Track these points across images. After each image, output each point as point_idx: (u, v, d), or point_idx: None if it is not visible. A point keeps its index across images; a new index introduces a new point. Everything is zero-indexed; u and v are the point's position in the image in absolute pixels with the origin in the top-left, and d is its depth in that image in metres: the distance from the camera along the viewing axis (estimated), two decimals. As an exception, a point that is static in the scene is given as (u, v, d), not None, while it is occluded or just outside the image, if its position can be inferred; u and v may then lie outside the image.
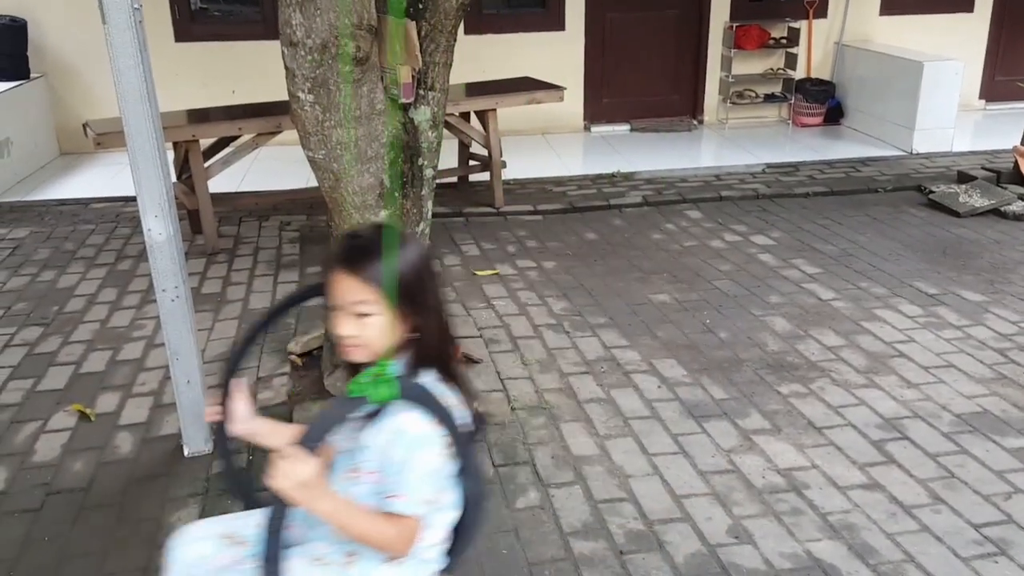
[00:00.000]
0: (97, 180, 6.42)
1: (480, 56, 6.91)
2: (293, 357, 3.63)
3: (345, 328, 1.54)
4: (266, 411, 3.31)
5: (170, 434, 3.18)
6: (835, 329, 3.95)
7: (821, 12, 7.88)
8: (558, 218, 5.56)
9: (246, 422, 1.78)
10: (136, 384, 3.56)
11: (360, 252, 1.53)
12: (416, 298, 1.54)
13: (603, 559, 2.52)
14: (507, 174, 5.90)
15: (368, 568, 1.60)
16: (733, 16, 7.78)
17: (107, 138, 4.61)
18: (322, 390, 3.35)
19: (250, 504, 1.87)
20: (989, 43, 8.31)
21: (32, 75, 6.82)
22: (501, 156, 5.73)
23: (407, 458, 1.48)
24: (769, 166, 6.63)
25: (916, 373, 3.55)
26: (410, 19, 2.84)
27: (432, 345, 1.57)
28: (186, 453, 3.06)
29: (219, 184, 5.18)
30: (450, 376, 1.60)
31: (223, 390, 1.77)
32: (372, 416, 1.51)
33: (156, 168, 2.71)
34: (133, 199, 2.79)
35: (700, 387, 3.47)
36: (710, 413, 3.28)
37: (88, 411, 3.34)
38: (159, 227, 2.76)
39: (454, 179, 6.15)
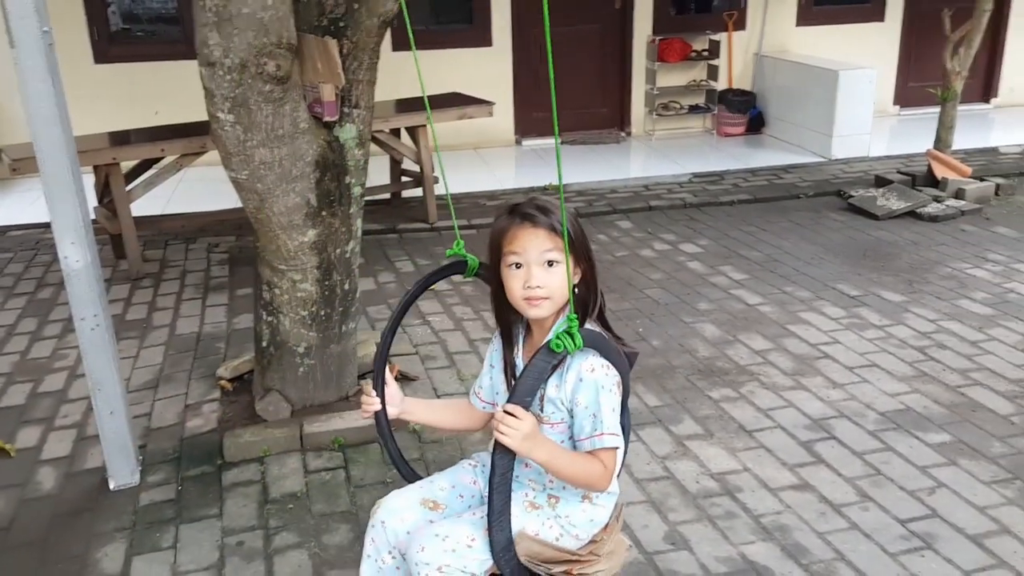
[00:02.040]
0: (15, 207, 6.21)
1: (409, 72, 6.88)
2: (223, 382, 3.54)
3: (537, 278, 1.71)
4: (195, 439, 3.24)
5: (95, 467, 3.08)
6: (762, 333, 4.04)
7: (740, 24, 8.09)
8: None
9: (400, 403, 1.97)
10: (58, 416, 3.44)
11: (542, 209, 1.72)
12: (582, 249, 1.74)
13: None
14: (440, 189, 5.89)
15: (570, 507, 1.82)
16: (656, 30, 7.94)
17: (23, 163, 4.46)
18: (253, 415, 3.29)
19: (415, 478, 2.02)
20: (901, 50, 8.65)
21: (-59, 99, 6.57)
22: (433, 171, 5.72)
23: (595, 400, 1.68)
24: (695, 176, 6.76)
25: (841, 373, 3.65)
26: (331, 36, 2.82)
27: (593, 294, 1.76)
28: (111, 486, 2.96)
29: (143, 207, 5.06)
30: (604, 323, 1.79)
31: (377, 380, 1.94)
32: (554, 369, 1.64)
33: (71, 194, 2.63)
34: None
35: (634, 395, 3.51)
36: (644, 421, 3.32)
37: (8, 447, 3.21)
38: (76, 254, 2.68)
39: (387, 195, 6.12)
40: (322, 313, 3.19)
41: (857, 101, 7.06)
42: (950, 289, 4.49)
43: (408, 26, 1.85)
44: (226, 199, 5.58)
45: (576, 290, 1.71)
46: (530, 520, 1.78)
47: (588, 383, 1.68)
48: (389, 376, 1.94)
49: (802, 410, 3.37)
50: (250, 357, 3.51)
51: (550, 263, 1.71)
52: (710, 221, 5.72)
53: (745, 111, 7.99)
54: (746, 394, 3.49)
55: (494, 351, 1.95)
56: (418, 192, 5.89)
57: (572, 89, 7.97)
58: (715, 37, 7.95)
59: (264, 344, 3.26)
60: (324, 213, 3.04)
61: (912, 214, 5.66)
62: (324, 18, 2.83)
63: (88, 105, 5.87)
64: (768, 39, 8.15)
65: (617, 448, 1.72)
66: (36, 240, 5.50)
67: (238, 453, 3.11)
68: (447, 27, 7.87)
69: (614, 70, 8.09)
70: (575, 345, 1.60)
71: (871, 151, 7.20)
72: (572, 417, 1.73)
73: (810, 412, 3.35)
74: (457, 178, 6.51)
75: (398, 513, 1.87)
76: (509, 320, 1.85)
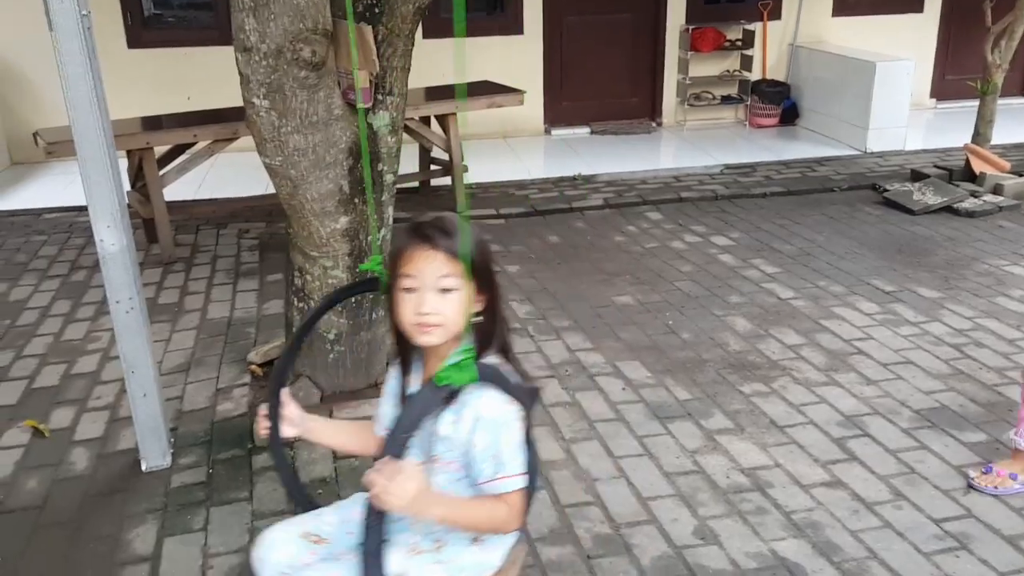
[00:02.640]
0: (49, 190, 6.28)
1: (440, 60, 6.88)
2: (253, 367, 3.57)
3: (429, 304, 1.57)
4: (226, 422, 3.26)
5: (127, 449, 3.11)
6: (795, 328, 4.00)
7: (775, 14, 7.98)
8: (520, 221, 5.56)
9: (300, 424, 1.82)
10: (91, 398, 3.48)
11: (443, 230, 1.57)
12: (485, 276, 1.61)
13: (571, 564, 2.51)
14: (469, 178, 5.88)
15: (457, 551, 1.69)
16: (689, 19, 7.85)
17: (58, 147, 4.51)
18: (283, 400, 3.30)
19: (309, 507, 1.90)
20: (939, 42, 8.49)
21: (-21, 83, 6.66)
22: (463, 160, 5.71)
23: (496, 439, 1.56)
24: (727, 167, 6.69)
25: (875, 370, 3.60)
26: (366, 23, 2.81)
27: (495, 324, 1.64)
28: (143, 468, 2.99)
29: (175, 192, 5.10)
30: (506, 355, 1.67)
31: (272, 400, 1.80)
32: (444, 404, 1.55)
33: (108, 177, 2.65)
34: (86, 208, 2.72)
35: (664, 388, 3.48)
36: (674, 414, 3.29)
37: (42, 427, 3.25)
38: (112, 237, 2.70)
39: (415, 184, 6.12)
40: (352, 301, 3.19)
41: (894, 93, 6.95)
42: (987, 286, 4.41)
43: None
44: (256, 185, 5.62)
45: (479, 318, 1.60)
46: (412, 566, 1.64)
47: (487, 422, 1.55)
48: (286, 395, 1.80)
49: (835, 406, 3.32)
50: (280, 342, 3.53)
51: (445, 290, 1.57)
52: (742, 213, 5.66)
53: (779, 102, 7.89)
54: (778, 389, 3.46)
55: (392, 378, 1.80)
56: (447, 181, 5.88)
57: (603, 78, 7.92)
58: (749, 27, 7.84)
59: (295, 330, 3.27)
60: (356, 200, 3.04)
61: (949, 209, 5.56)
62: (360, 4, 2.82)
63: (121, 89, 5.92)
64: (803, 29, 8.03)
65: (523, 489, 1.59)
66: (70, 223, 5.56)
67: (268, 438, 3.13)
68: (479, 15, 7.83)
69: (646, 59, 8.02)
70: (464, 379, 1.50)
71: (907, 144, 7.08)
72: (469, 458, 1.58)
73: (843, 408, 3.31)
74: (485, 167, 6.53)
75: (277, 546, 1.76)
76: (408, 346, 1.69)
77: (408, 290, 1.59)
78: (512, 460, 1.57)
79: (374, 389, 3.34)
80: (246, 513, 2.76)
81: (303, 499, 1.94)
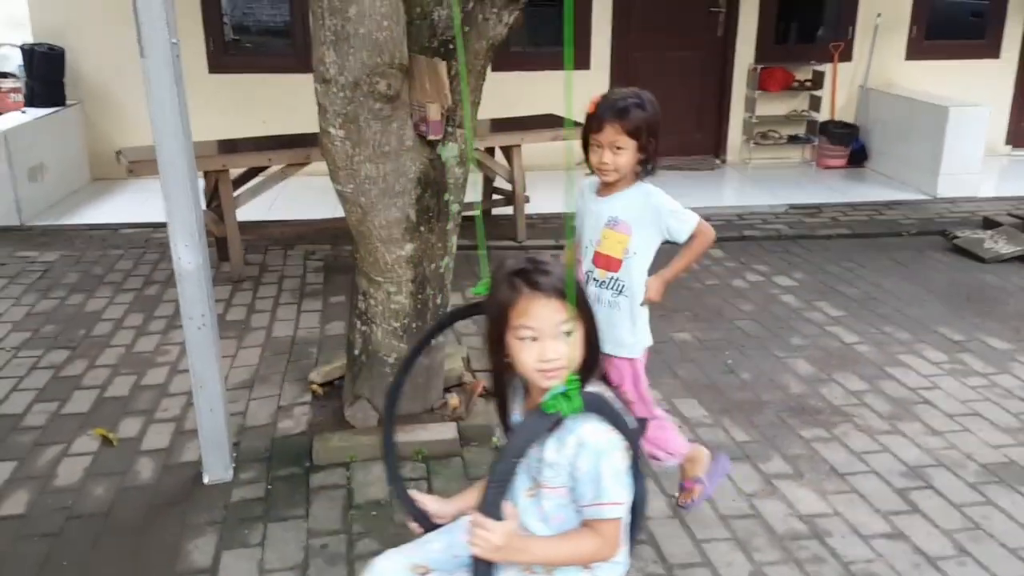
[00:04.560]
0: (127, 206, 6.52)
1: (506, 92, 6.96)
2: (314, 387, 3.64)
3: (553, 351, 1.60)
4: (286, 440, 3.33)
5: (190, 461, 3.19)
6: (858, 373, 3.92)
7: (846, 56, 7.91)
8: (580, 254, 5.56)
9: (444, 513, 1.93)
10: (159, 410, 3.59)
11: (547, 274, 1.61)
12: (586, 308, 1.64)
13: (621, 602, 2.49)
14: (530, 208, 5.93)
15: (568, 573, 1.71)
16: (758, 59, 7.83)
17: (139, 166, 4.69)
18: (342, 421, 3.36)
19: (428, 528, 1.95)
20: (1017, 89, 8.31)
21: (68, 102, 6.97)
22: (525, 191, 5.77)
23: (596, 466, 1.59)
24: (792, 207, 6.62)
25: (941, 421, 3.51)
26: (441, 59, 2.89)
27: (596, 352, 1.67)
28: (206, 480, 3.07)
29: (247, 213, 5.25)
30: (606, 383, 1.71)
31: (387, 425, 2.02)
32: (550, 431, 1.59)
33: (188, 199, 2.75)
34: (162, 225, 2.83)
35: (721, 428, 3.45)
36: (731, 456, 3.24)
37: (111, 435, 3.36)
38: (188, 256, 2.80)
39: (478, 212, 6.18)
40: (414, 326, 3.24)
41: (967, 139, 6.81)
42: (1062, 339, 4.28)
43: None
44: (324, 208, 5.73)
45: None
46: None
47: (589, 447, 1.58)
48: (421, 496, 1.93)
49: (898, 456, 3.25)
50: (341, 363, 3.59)
51: (566, 332, 1.61)
52: (806, 254, 5.59)
53: (847, 143, 7.79)
54: (839, 435, 3.39)
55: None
56: (509, 211, 5.94)
57: (668, 114, 7.70)
58: (819, 68, 7.79)
59: (356, 352, 3.33)
60: (422, 228, 3.10)
61: (1021, 259, 5.41)
62: (435, 39, 2.90)
63: (201, 112, 6.11)
64: (875, 72, 7.94)
65: (619, 519, 1.63)
66: (145, 239, 5.77)
67: (326, 457, 3.19)
68: (545, 49, 7.92)
69: (712, 97, 8.01)
70: (571, 408, 1.52)
71: (980, 191, 6.92)
72: (574, 482, 1.62)
73: (907, 459, 3.23)
74: (548, 197, 6.56)
75: None
76: (504, 380, 1.75)
77: (528, 339, 1.61)
78: (611, 488, 1.59)
79: (430, 414, 3.38)
80: (302, 531, 2.81)
81: (419, 515, 1.96)
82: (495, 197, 6.09)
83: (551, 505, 1.68)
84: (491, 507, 1.53)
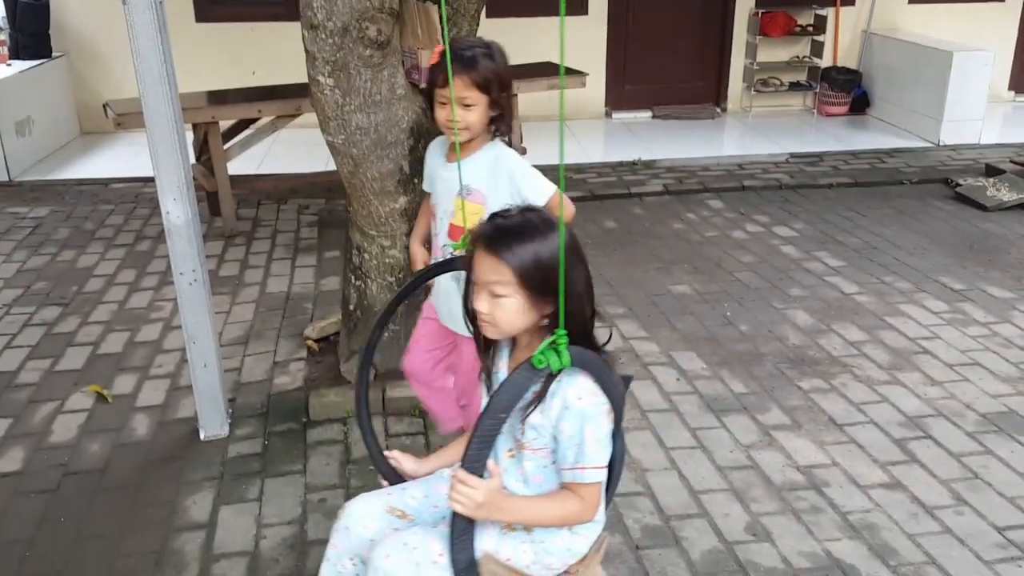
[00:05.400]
0: (117, 160, 6.43)
1: (502, 40, 6.81)
2: (309, 343, 3.61)
3: (480, 304, 1.61)
4: (282, 395, 3.31)
5: (186, 417, 3.18)
6: (858, 324, 3.89)
7: (848, 0, 7.75)
8: (577, 206, 5.44)
9: (418, 471, 1.92)
10: (153, 366, 3.56)
11: (502, 234, 1.58)
12: (553, 285, 1.53)
13: (619, 554, 2.49)
14: (528, 160, 5.84)
15: (549, 534, 1.70)
16: (759, 3, 7.67)
17: (127, 119, 4.60)
18: (338, 376, 3.34)
19: (397, 480, 1.93)
20: (1020, 33, 8.16)
21: (54, 54, 6.84)
22: (521, 142, 5.68)
23: (580, 430, 1.57)
24: (793, 156, 6.54)
25: (940, 371, 3.49)
26: (432, 2, 2.80)
27: (572, 330, 1.57)
28: (202, 436, 3.05)
29: (238, 166, 5.17)
30: (593, 345, 1.64)
31: (361, 374, 2.01)
32: (541, 387, 1.55)
33: (175, 151, 2.69)
34: (152, 179, 2.77)
35: (719, 380, 3.43)
36: (729, 407, 3.24)
37: (105, 392, 3.34)
38: (177, 210, 2.75)
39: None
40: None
41: (971, 85, 6.70)
42: (1063, 288, 4.25)
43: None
44: (317, 162, 5.68)
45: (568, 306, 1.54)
46: (504, 543, 1.68)
47: (574, 411, 1.55)
48: (399, 454, 1.91)
49: (897, 406, 3.23)
50: (336, 319, 3.56)
51: (496, 295, 1.58)
52: (807, 204, 5.53)
53: (849, 90, 7.67)
54: (838, 386, 3.37)
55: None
56: (506, 162, 5.86)
57: (667, 61, 7.79)
58: (821, 12, 7.63)
59: (351, 307, 3.29)
60: (416, 180, 3.03)
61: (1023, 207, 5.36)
62: (426, -18, 2.80)
63: (188, 63, 6.00)
64: (878, 16, 7.78)
65: (600, 482, 1.62)
66: (136, 193, 5.69)
67: (322, 412, 3.17)
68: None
69: (712, 43, 7.86)
70: (561, 363, 1.48)
71: (983, 138, 6.83)
72: (556, 443, 1.60)
73: (906, 409, 3.22)
74: (545, 150, 6.47)
75: (363, 520, 1.82)
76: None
77: (475, 288, 1.63)
78: (593, 452, 1.58)
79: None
80: (299, 485, 2.80)
81: (389, 471, 1.95)
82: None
83: (532, 466, 1.66)
84: (474, 463, 1.50)
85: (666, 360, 3.59)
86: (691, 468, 2.88)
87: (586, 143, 7.02)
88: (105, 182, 5.95)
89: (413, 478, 1.91)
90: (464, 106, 2.23)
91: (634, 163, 6.37)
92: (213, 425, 3.06)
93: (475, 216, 2.30)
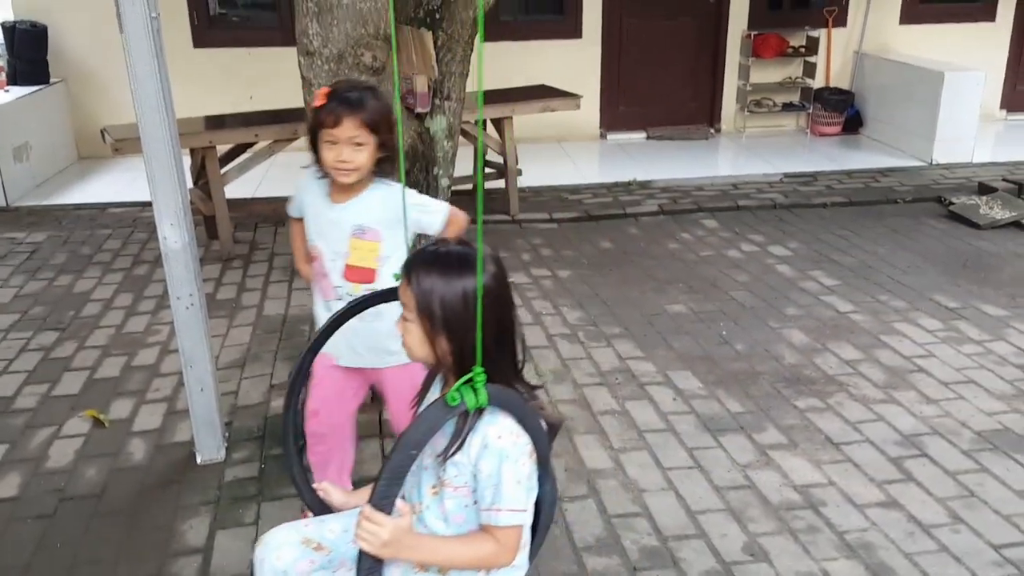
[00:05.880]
0: (115, 185, 6.46)
1: (497, 63, 6.88)
2: (306, 365, 3.61)
3: (397, 322, 1.62)
4: (279, 418, 3.30)
5: (183, 441, 3.18)
6: (853, 343, 3.91)
7: (840, 21, 7.83)
8: (573, 226, 5.54)
9: (347, 503, 1.88)
10: (150, 390, 3.56)
11: (419, 260, 1.59)
12: (450, 324, 1.54)
13: (616, 575, 2.49)
14: (522, 182, 5.89)
15: (461, 575, 1.65)
16: (751, 24, 7.75)
17: (125, 144, 4.63)
18: (335, 399, 3.33)
19: (321, 510, 1.91)
20: (1011, 53, 8.24)
21: (52, 80, 6.88)
22: (517, 164, 5.72)
23: (498, 470, 1.53)
24: (787, 176, 6.58)
25: (935, 389, 3.50)
26: (426, 29, 2.83)
27: (508, 348, 1.58)
28: (199, 460, 3.05)
29: (235, 190, 5.20)
30: (524, 383, 1.63)
31: (289, 400, 1.93)
32: (459, 426, 1.53)
33: (172, 176, 2.71)
34: (150, 204, 2.79)
35: (716, 400, 3.44)
36: (726, 427, 3.25)
37: (102, 417, 3.34)
38: (174, 235, 2.76)
39: (469, 186, 6.13)
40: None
41: (962, 104, 6.76)
42: (1057, 305, 4.27)
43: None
44: (315, 184, 5.68)
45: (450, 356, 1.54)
46: None
47: (493, 450, 1.51)
48: (327, 485, 1.85)
49: (893, 425, 3.24)
50: (333, 342, 3.56)
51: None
52: (801, 223, 5.56)
53: (842, 110, 7.73)
54: (834, 405, 3.38)
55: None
56: (501, 184, 5.89)
57: (661, 83, 7.85)
58: (813, 33, 7.71)
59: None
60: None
61: (1017, 225, 5.38)
62: (421, 10, 2.85)
63: (186, 88, 6.04)
64: (869, 37, 7.86)
65: (518, 526, 1.57)
66: (133, 218, 5.71)
67: (319, 436, 3.16)
68: (537, 18, 7.84)
69: (706, 65, 7.93)
70: (476, 401, 1.44)
71: (975, 157, 6.88)
72: (476, 483, 1.56)
73: (901, 427, 3.23)
74: (540, 171, 6.53)
75: (276, 549, 1.79)
76: (432, 371, 1.72)
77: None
78: (511, 494, 1.53)
79: (424, 391, 3.36)
80: (296, 510, 2.79)
81: (315, 502, 1.91)
82: (487, 171, 6.03)
83: (453, 504, 1.60)
84: (382, 500, 1.46)
85: (663, 380, 3.60)
86: (688, 488, 2.88)
87: (581, 164, 7.06)
88: (103, 207, 5.97)
89: (341, 511, 1.87)
90: (355, 145, 2.22)
91: (629, 183, 6.41)
92: (210, 449, 3.06)
93: (372, 254, 2.34)
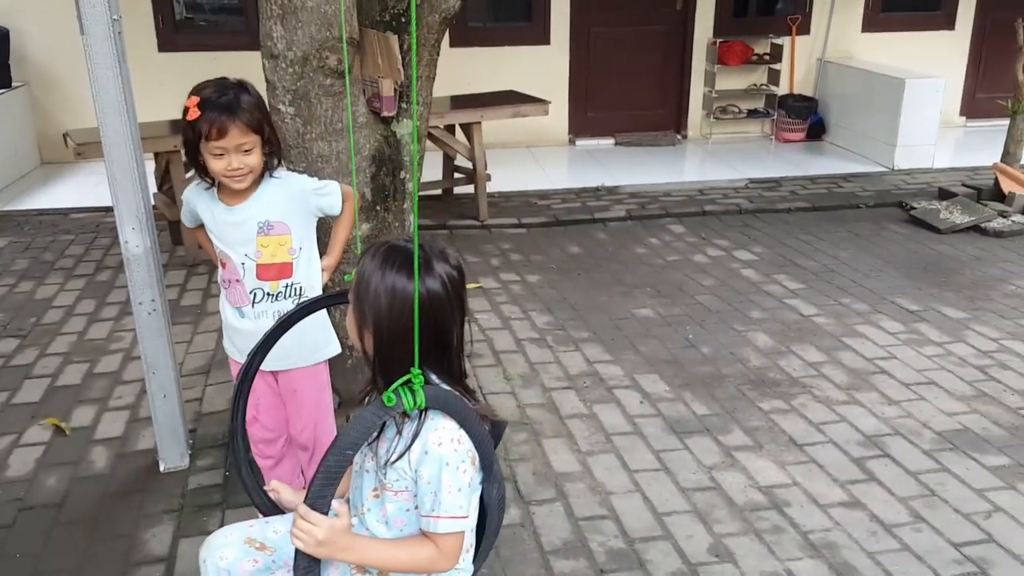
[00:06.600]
0: (78, 190, 6.36)
1: (465, 69, 6.91)
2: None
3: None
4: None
5: (146, 449, 3.13)
6: (817, 345, 3.96)
7: (804, 29, 7.94)
8: (542, 231, 5.56)
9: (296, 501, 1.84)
10: (112, 397, 3.51)
11: (369, 249, 1.58)
12: (367, 315, 1.53)
13: (583, 578, 2.50)
14: (492, 187, 5.89)
15: None
16: (717, 32, 7.83)
17: (88, 148, 4.57)
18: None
19: (272, 511, 1.90)
20: (970, 60, 8.40)
21: (14, 84, 6.77)
22: (486, 169, 5.72)
23: (437, 477, 1.51)
24: (752, 181, 6.66)
25: (897, 390, 3.56)
26: (392, 32, 2.83)
27: (383, 366, 1.54)
28: (162, 468, 3.01)
29: (201, 195, 5.13)
30: (465, 388, 1.61)
31: (236, 397, 1.88)
32: (396, 426, 1.53)
33: (134, 180, 2.68)
34: (113, 209, 2.76)
35: (682, 403, 3.46)
36: (692, 429, 3.27)
37: (63, 425, 3.29)
38: (136, 239, 2.73)
39: (439, 191, 6.13)
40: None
41: (923, 111, 6.88)
42: (1014, 307, 4.35)
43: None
44: (282, 189, 5.65)
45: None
46: None
47: (433, 456, 1.49)
48: (277, 483, 1.86)
49: (856, 426, 3.29)
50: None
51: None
52: (766, 228, 5.62)
53: (806, 117, 7.84)
54: (798, 407, 3.42)
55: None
56: (470, 189, 5.90)
57: (628, 89, 7.91)
58: (778, 41, 7.81)
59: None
60: (378, 208, 3.05)
61: (976, 229, 5.49)
62: (386, 13, 2.84)
63: (151, 92, 5.98)
64: (832, 44, 7.98)
65: (457, 532, 1.55)
66: (96, 223, 5.63)
67: (285, 442, 3.14)
68: (505, 24, 7.86)
69: (672, 72, 8.00)
70: (415, 403, 1.43)
71: (935, 162, 7.01)
72: (416, 488, 1.54)
73: (864, 428, 3.27)
74: (509, 176, 6.54)
75: (219, 550, 1.78)
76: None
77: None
78: (450, 501, 1.51)
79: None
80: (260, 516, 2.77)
81: (264, 503, 1.90)
82: (456, 176, 6.03)
83: (394, 508, 1.59)
84: (317, 500, 1.45)
85: (630, 383, 3.62)
86: (655, 490, 2.90)
87: (550, 169, 7.08)
88: (65, 212, 5.88)
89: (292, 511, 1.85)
90: (244, 152, 2.19)
91: (597, 189, 6.44)
92: (173, 456, 3.02)
93: (283, 248, 2.32)
